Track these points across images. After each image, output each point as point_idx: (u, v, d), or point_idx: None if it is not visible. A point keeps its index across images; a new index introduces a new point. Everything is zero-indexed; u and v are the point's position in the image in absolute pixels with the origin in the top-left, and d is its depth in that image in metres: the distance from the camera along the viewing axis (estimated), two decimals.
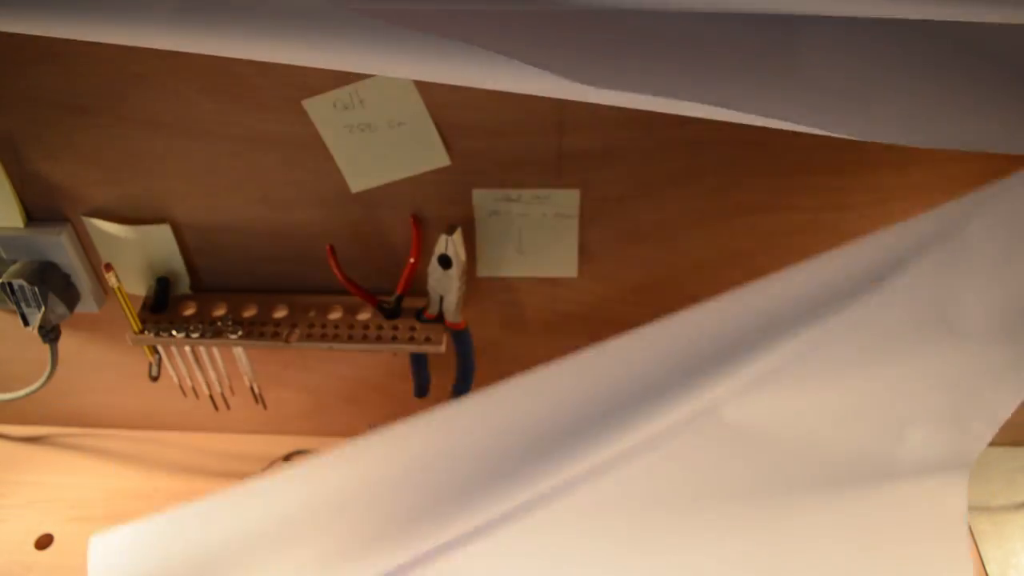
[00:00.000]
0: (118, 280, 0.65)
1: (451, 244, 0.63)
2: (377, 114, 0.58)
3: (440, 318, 0.67)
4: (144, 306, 0.69)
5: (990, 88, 0.38)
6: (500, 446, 0.43)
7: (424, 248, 0.66)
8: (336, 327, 0.68)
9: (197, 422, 0.85)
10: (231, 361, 0.75)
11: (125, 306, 0.67)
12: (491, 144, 0.60)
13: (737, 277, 0.68)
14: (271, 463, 0.83)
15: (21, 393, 0.78)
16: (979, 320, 0.41)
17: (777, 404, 0.41)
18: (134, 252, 0.68)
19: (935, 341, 0.41)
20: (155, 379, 0.74)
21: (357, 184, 0.63)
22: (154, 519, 0.46)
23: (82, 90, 0.58)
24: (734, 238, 0.65)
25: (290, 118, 0.59)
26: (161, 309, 0.69)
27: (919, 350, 0.42)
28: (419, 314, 0.67)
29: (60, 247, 0.67)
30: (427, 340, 0.66)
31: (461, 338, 0.69)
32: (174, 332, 0.67)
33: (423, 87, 0.57)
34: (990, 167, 0.60)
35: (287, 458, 0.83)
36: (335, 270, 0.66)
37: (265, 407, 0.82)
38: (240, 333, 0.67)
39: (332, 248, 0.66)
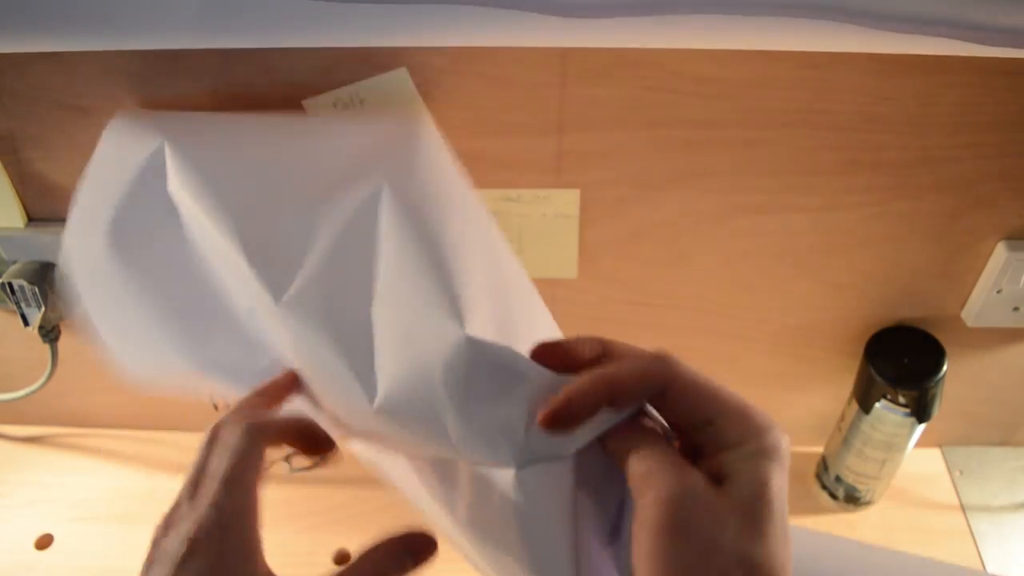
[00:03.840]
0: None
1: None
2: (377, 114, 0.58)
3: None
4: None
5: None
6: None
7: None
8: None
9: (197, 422, 0.84)
10: None
11: None
12: (491, 144, 0.60)
13: (737, 277, 0.69)
14: (271, 463, 0.83)
15: (21, 393, 0.78)
16: None
17: None
18: None
19: None
20: None
21: None
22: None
23: (82, 90, 0.58)
24: (734, 238, 0.65)
25: None
26: None
27: None
28: None
29: (60, 247, 0.67)
30: None
31: None
32: None
33: (423, 87, 0.57)
34: (988, 167, 0.60)
35: (287, 459, 0.83)
36: None
37: None
38: None
39: None
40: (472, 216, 0.40)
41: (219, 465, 0.30)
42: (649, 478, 0.29)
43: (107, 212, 0.43)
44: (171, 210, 0.39)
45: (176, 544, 0.28)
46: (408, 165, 0.38)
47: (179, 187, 0.39)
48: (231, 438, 0.31)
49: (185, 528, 0.29)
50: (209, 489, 0.30)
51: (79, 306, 0.43)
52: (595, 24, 0.36)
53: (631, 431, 0.31)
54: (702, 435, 0.31)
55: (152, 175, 0.40)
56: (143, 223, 0.41)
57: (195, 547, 0.28)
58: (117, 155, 0.43)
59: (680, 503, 0.28)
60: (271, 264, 0.36)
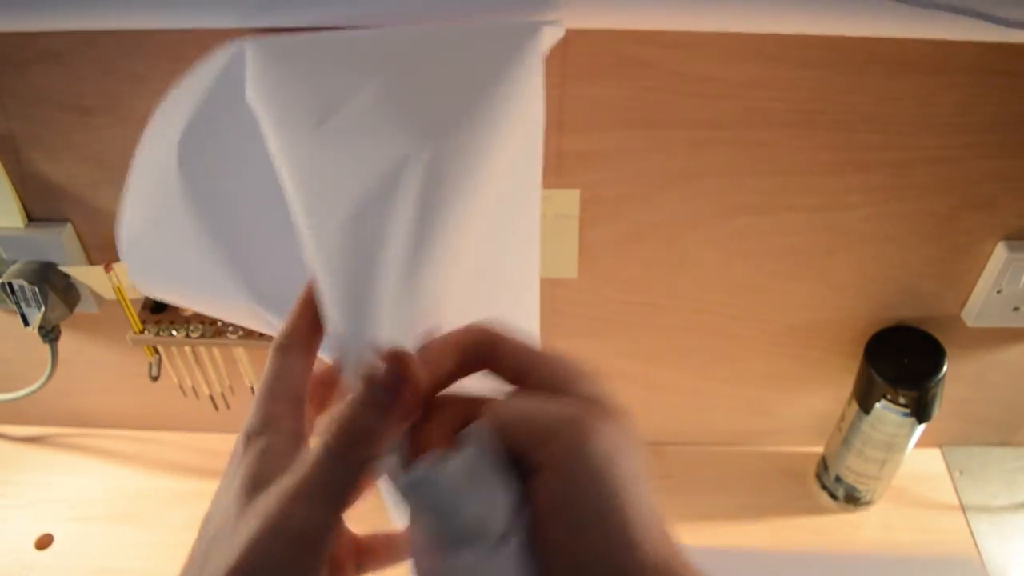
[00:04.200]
0: (118, 280, 0.65)
1: None
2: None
3: None
4: (144, 306, 0.69)
5: None
6: None
7: None
8: None
9: (197, 422, 0.85)
10: (231, 361, 0.75)
11: (125, 306, 0.67)
12: None
13: (737, 277, 0.69)
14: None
15: (21, 393, 0.78)
16: None
17: None
18: None
19: None
20: (155, 379, 0.74)
21: None
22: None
23: (82, 90, 0.58)
24: (734, 238, 0.65)
25: None
26: (161, 309, 0.69)
27: None
28: None
29: (60, 247, 0.67)
30: None
31: None
32: (174, 332, 0.67)
33: None
34: (988, 167, 0.60)
35: None
36: None
37: None
38: (240, 333, 0.67)
39: None
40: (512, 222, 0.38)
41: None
42: (556, 424, 0.27)
43: (182, 119, 0.40)
44: (248, 121, 0.36)
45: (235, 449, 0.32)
46: (467, 126, 0.34)
47: (255, 98, 0.36)
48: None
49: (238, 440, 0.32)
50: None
51: (130, 223, 0.40)
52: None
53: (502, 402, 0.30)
54: (533, 383, 0.31)
55: (230, 81, 0.38)
56: (217, 132, 0.39)
57: (236, 455, 0.32)
58: (205, 64, 0.40)
59: (603, 431, 0.27)
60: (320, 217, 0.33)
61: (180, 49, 0.55)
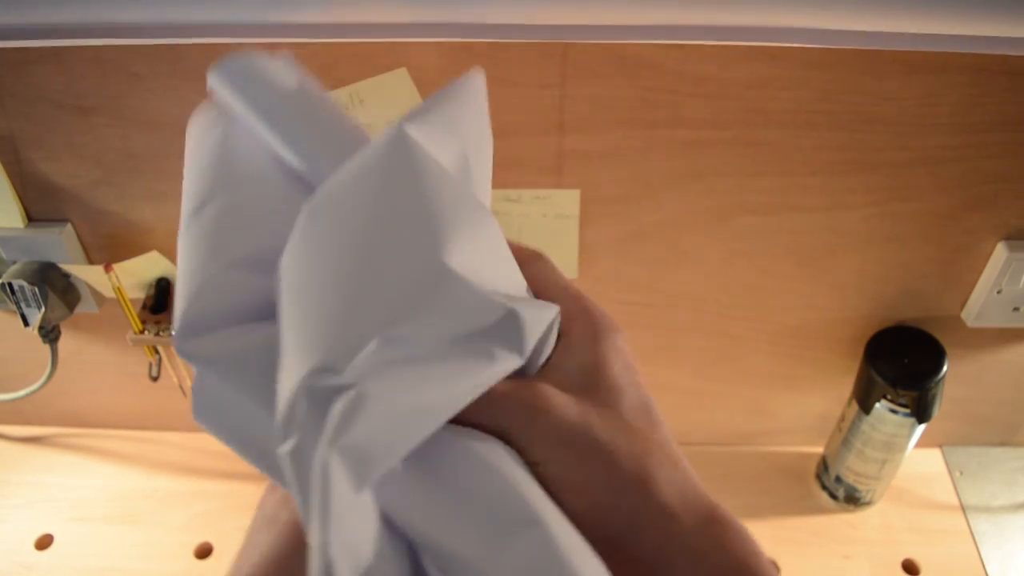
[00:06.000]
0: (118, 280, 0.65)
1: None
2: (377, 114, 0.58)
3: None
4: (144, 306, 0.69)
5: None
6: None
7: None
8: None
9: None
10: None
11: (125, 306, 0.67)
12: None
13: (738, 277, 0.69)
14: None
15: (21, 393, 0.78)
16: None
17: None
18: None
19: None
20: (155, 379, 0.74)
21: None
22: None
23: (82, 90, 0.58)
24: (734, 238, 0.65)
25: None
26: (161, 309, 0.69)
27: None
28: None
29: (60, 247, 0.67)
30: None
31: None
32: (174, 332, 0.67)
33: (423, 87, 0.57)
34: (988, 167, 0.60)
35: None
36: None
37: None
38: None
39: None
40: None
41: None
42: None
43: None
44: None
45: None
46: None
47: None
48: None
49: None
50: None
51: None
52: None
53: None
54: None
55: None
56: None
57: None
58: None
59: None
60: None
61: (179, 49, 0.55)
